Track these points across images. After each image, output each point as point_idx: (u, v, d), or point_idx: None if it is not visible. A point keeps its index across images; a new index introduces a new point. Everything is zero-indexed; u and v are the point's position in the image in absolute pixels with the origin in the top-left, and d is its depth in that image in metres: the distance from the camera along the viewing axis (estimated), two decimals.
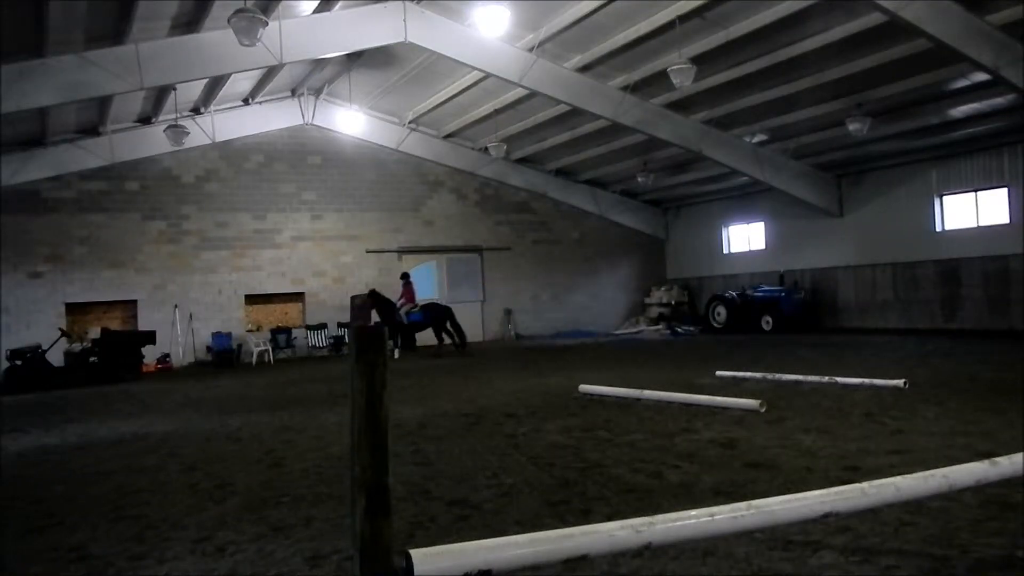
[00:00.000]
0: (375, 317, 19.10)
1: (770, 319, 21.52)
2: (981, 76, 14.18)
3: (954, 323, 18.81)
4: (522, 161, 24.12)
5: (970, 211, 18.79)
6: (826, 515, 3.40)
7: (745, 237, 25.08)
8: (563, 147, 22.36)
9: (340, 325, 21.72)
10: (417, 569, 2.55)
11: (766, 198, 22.82)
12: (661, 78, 15.58)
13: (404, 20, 15.18)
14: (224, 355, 19.84)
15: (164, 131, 18.10)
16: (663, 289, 26.42)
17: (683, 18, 14.01)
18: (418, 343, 20.27)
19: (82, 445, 8.62)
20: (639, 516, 3.13)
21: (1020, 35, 12.80)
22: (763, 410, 8.17)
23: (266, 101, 20.86)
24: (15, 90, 13.07)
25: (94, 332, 18.41)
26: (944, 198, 19.30)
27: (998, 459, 3.93)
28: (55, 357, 17.01)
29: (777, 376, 10.82)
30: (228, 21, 12.41)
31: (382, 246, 23.05)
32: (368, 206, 22.98)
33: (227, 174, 21.20)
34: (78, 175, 19.30)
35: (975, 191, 18.61)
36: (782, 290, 21.87)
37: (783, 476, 5.56)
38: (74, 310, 19.44)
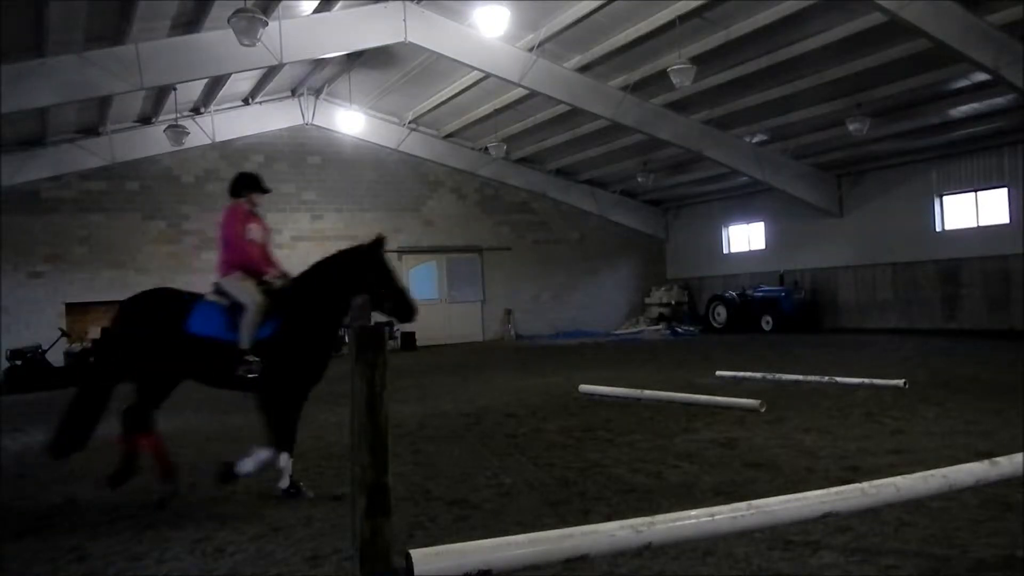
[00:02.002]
0: None
1: (770, 319, 21.52)
2: (981, 76, 14.18)
3: (954, 323, 18.80)
4: (522, 161, 24.11)
5: (970, 211, 18.79)
6: (826, 515, 3.40)
7: (745, 237, 25.08)
8: (563, 147, 22.35)
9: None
10: (417, 569, 2.55)
11: (766, 198, 22.82)
12: (661, 78, 15.57)
13: (404, 20, 15.17)
14: None
15: (164, 131, 18.11)
16: (663, 289, 26.42)
17: (683, 18, 14.01)
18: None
19: None
20: (639, 516, 3.13)
21: (1020, 35, 12.81)
22: (763, 410, 8.17)
23: (266, 101, 20.85)
24: (15, 90, 13.07)
25: (94, 332, 18.41)
26: (944, 198, 19.30)
27: (998, 459, 3.94)
28: (55, 357, 17.00)
29: (777, 376, 10.82)
30: (228, 21, 12.41)
31: None
32: (368, 206, 22.97)
33: (227, 174, 20.93)
34: (78, 175, 19.30)
35: (975, 191, 18.61)
36: (782, 290, 21.87)
37: (783, 476, 5.56)
38: (74, 310, 19.42)
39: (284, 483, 5.57)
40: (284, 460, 5.56)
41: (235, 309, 5.62)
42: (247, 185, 6.08)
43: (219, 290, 5.79)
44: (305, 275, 5.85)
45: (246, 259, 5.84)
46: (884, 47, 14.09)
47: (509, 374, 13.89)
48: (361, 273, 5.64)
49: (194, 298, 5.81)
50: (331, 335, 5.84)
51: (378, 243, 5.74)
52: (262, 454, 5.54)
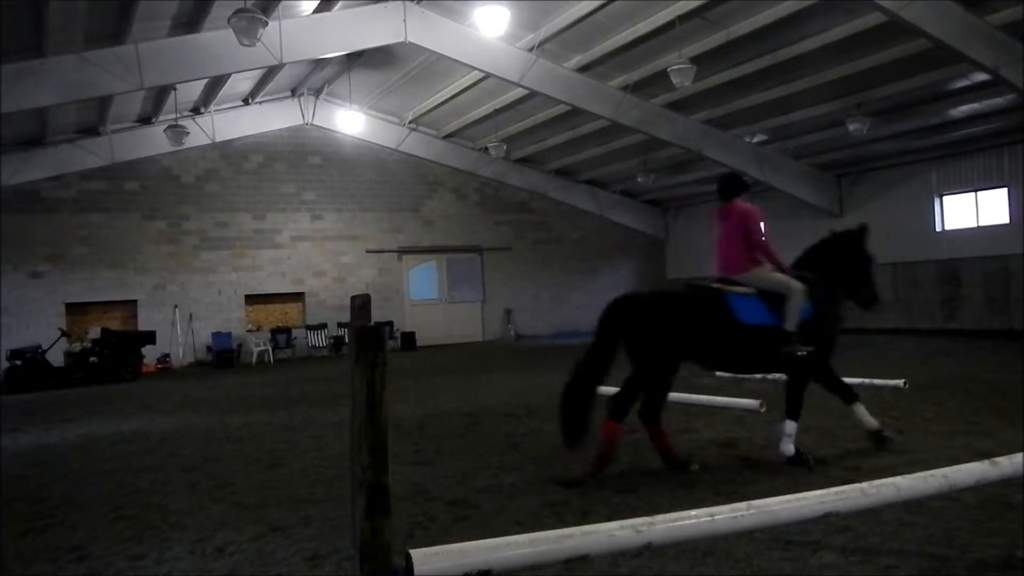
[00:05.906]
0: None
1: None
2: (981, 76, 14.17)
3: (954, 323, 18.79)
4: (522, 161, 24.11)
5: (970, 211, 18.79)
6: (826, 515, 3.40)
7: None
8: (563, 147, 22.35)
9: (340, 325, 21.71)
10: (417, 569, 2.55)
11: (766, 198, 22.77)
12: (661, 78, 15.57)
13: (404, 20, 15.18)
14: (224, 355, 19.85)
15: (164, 131, 18.10)
16: None
17: (683, 18, 14.00)
18: None
19: (82, 445, 8.62)
20: (639, 516, 3.13)
21: (1020, 35, 12.80)
22: (763, 410, 8.17)
23: (266, 101, 20.85)
24: (15, 90, 13.06)
25: (94, 332, 18.41)
26: (944, 198, 19.30)
27: (998, 459, 3.93)
28: (55, 357, 17.01)
29: (777, 376, 10.79)
30: (228, 21, 12.41)
31: (382, 246, 23.04)
32: (368, 206, 22.98)
33: (227, 174, 21.20)
34: (78, 175, 19.30)
35: (975, 191, 18.61)
36: None
37: (783, 476, 5.56)
38: (74, 310, 19.43)
39: (789, 450, 5.87)
40: (791, 428, 5.95)
41: (768, 297, 6.08)
42: (744, 186, 6.55)
43: (742, 283, 6.20)
44: (807, 261, 6.44)
45: (771, 255, 6.33)
46: (884, 47, 14.08)
47: (509, 374, 13.89)
48: (851, 257, 6.38)
49: (718, 293, 6.14)
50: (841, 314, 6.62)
51: (863, 230, 6.33)
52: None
